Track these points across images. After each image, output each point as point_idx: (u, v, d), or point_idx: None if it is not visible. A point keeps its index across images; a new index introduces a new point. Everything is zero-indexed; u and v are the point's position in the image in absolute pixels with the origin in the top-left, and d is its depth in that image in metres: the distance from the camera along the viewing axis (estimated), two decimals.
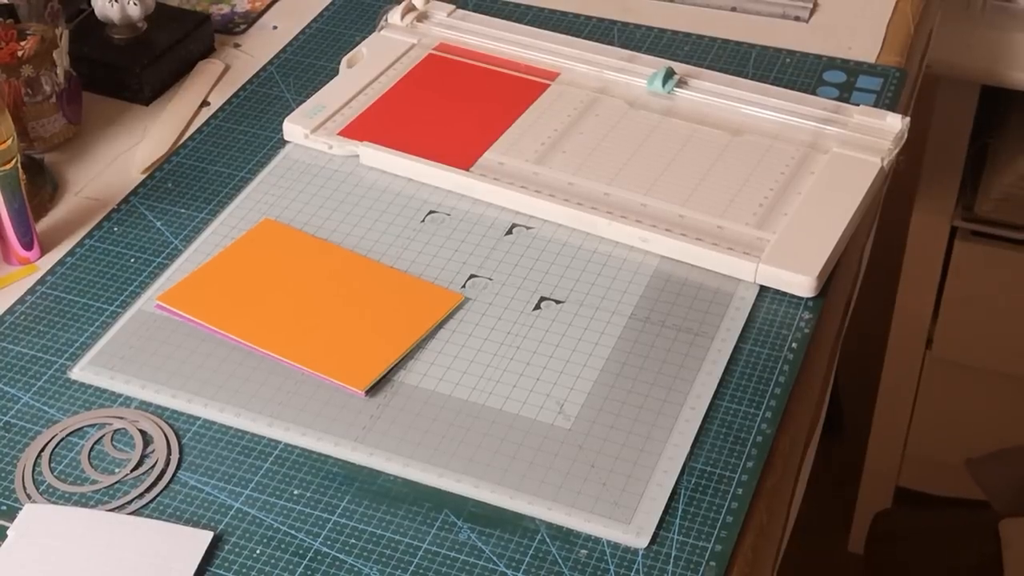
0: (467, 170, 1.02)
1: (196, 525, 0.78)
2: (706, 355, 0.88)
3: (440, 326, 0.90)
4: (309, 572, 0.76)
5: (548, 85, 1.11)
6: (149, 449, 0.83)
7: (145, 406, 0.85)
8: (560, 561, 0.76)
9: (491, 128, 1.06)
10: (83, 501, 0.80)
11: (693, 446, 0.82)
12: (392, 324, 0.90)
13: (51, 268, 0.96)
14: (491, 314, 0.91)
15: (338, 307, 0.91)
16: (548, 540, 0.77)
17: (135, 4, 1.13)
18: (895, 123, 1.04)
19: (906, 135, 1.04)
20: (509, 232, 0.98)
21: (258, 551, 0.77)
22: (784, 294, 0.93)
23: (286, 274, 0.94)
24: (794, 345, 0.89)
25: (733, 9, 1.24)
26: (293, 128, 1.07)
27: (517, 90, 1.10)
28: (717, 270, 0.94)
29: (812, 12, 1.23)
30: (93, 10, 1.14)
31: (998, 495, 1.72)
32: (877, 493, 1.88)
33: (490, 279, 0.94)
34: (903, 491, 1.88)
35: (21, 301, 0.94)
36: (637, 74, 1.11)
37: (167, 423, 0.84)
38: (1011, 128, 1.65)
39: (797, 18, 1.22)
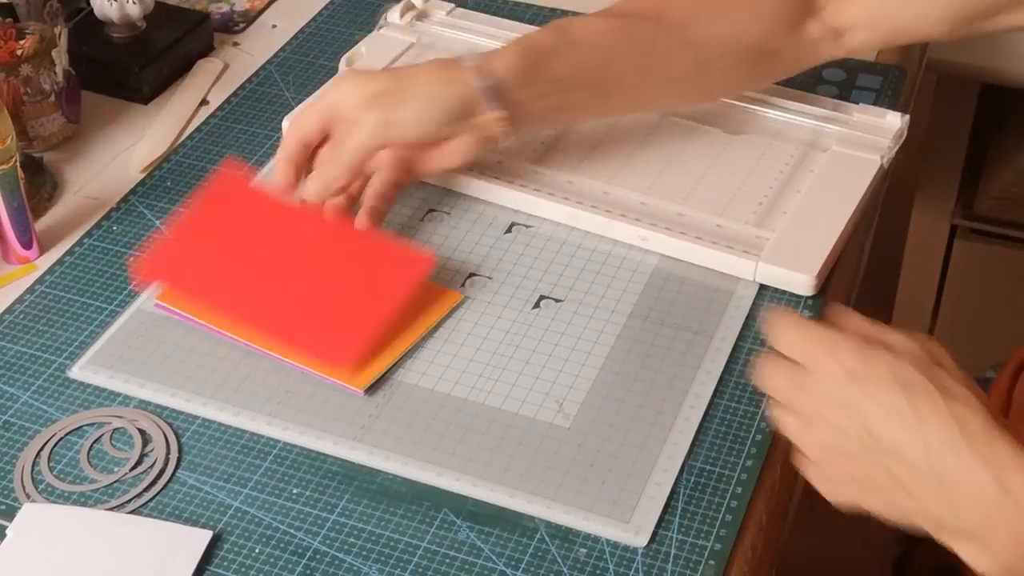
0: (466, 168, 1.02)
1: (195, 524, 0.78)
2: (705, 353, 0.88)
3: (439, 325, 0.90)
4: (308, 571, 0.75)
5: None
6: (148, 448, 0.83)
7: (144, 405, 0.85)
8: (559, 560, 0.76)
9: None
10: (82, 500, 0.80)
11: (692, 445, 0.82)
12: (391, 323, 0.89)
13: (50, 267, 0.96)
14: (490, 313, 0.91)
15: None
16: (547, 539, 0.77)
17: (134, 3, 1.13)
18: (895, 121, 1.04)
19: (905, 133, 1.04)
20: (508, 231, 0.98)
21: (257, 550, 0.77)
22: (784, 292, 0.93)
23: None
24: None
25: None
26: None
27: None
28: (716, 268, 0.94)
29: None
30: (92, 9, 1.14)
31: None
32: None
33: (489, 278, 0.94)
34: None
35: (20, 300, 0.94)
36: None
37: (166, 422, 0.84)
38: (1011, 126, 1.65)
39: None
